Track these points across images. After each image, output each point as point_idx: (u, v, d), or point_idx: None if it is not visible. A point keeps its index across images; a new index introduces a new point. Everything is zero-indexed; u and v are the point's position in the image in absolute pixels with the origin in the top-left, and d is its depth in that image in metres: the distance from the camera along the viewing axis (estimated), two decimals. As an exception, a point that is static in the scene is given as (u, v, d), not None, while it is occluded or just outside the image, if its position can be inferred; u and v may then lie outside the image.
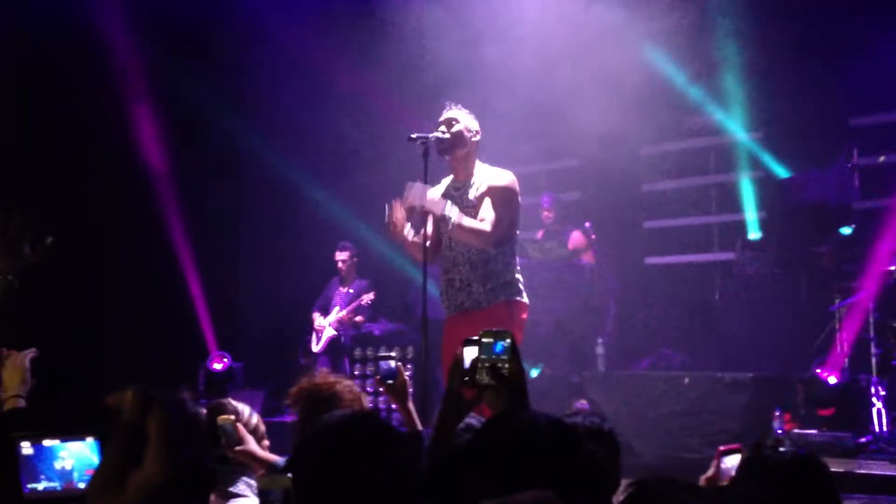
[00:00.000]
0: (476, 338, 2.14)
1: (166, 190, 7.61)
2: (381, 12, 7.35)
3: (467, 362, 2.13)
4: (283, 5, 7.31)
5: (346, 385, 2.93)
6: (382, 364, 2.98)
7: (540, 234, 7.62)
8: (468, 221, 4.11)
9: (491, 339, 2.11)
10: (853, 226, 6.85)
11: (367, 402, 3.01)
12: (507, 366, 2.09)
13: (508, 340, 2.09)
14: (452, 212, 4.08)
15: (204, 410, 2.96)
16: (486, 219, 4.13)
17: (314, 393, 2.86)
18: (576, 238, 7.42)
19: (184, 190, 7.66)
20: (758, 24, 7.20)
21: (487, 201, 4.18)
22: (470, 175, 4.26)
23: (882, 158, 7.40)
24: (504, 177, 4.24)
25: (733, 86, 7.65)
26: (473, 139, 4.27)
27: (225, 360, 7.47)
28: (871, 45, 6.71)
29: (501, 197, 4.17)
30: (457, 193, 4.28)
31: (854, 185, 7.41)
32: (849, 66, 6.90)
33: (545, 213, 7.57)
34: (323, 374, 2.97)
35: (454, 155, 4.26)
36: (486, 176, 4.24)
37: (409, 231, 4.20)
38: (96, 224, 7.34)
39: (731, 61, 7.52)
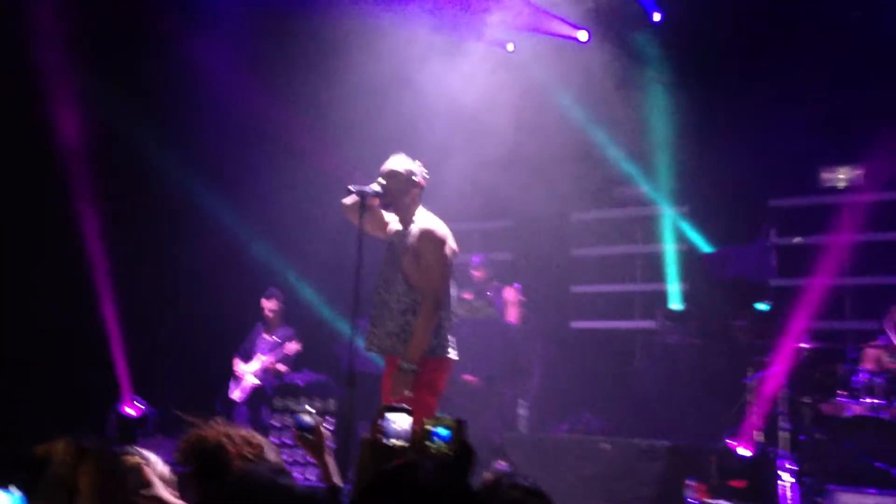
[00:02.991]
0: (400, 406, 2.18)
1: (89, 229, 7.43)
2: (329, 70, 7.43)
3: (388, 427, 2.15)
4: (225, 52, 7.30)
5: (239, 436, 2.85)
6: (300, 417, 2.95)
7: (469, 295, 7.68)
8: (418, 340, 4.13)
9: (432, 426, 2.14)
10: (769, 302, 7.12)
11: (273, 452, 2.92)
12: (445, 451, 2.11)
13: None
14: (410, 366, 4.10)
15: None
16: (425, 299, 4.16)
17: (199, 446, 2.78)
18: (507, 293, 7.50)
19: (107, 229, 7.48)
20: (688, 103, 7.53)
21: (419, 264, 4.20)
22: (410, 222, 4.31)
23: (798, 239, 7.74)
24: (428, 236, 4.26)
25: (662, 161, 7.94)
26: (413, 189, 4.32)
27: (138, 405, 7.24)
28: (792, 131, 7.07)
29: (432, 257, 4.21)
30: (398, 239, 4.33)
31: (772, 263, 7.73)
32: (770, 150, 7.26)
33: (475, 272, 7.64)
34: (213, 426, 2.88)
35: (394, 206, 4.33)
36: (422, 228, 4.27)
37: None
38: (13, 260, 7.11)
39: (662, 137, 7.83)
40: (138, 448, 3.01)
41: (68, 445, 1.62)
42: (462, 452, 2.12)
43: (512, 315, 7.45)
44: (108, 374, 7.41)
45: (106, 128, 7.24)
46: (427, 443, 2.11)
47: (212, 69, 7.25)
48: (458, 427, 2.12)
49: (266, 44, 7.41)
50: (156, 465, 2.95)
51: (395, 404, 2.27)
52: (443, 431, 2.11)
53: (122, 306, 7.52)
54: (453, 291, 4.41)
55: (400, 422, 2.19)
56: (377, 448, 2.17)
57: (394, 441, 2.17)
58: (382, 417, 2.20)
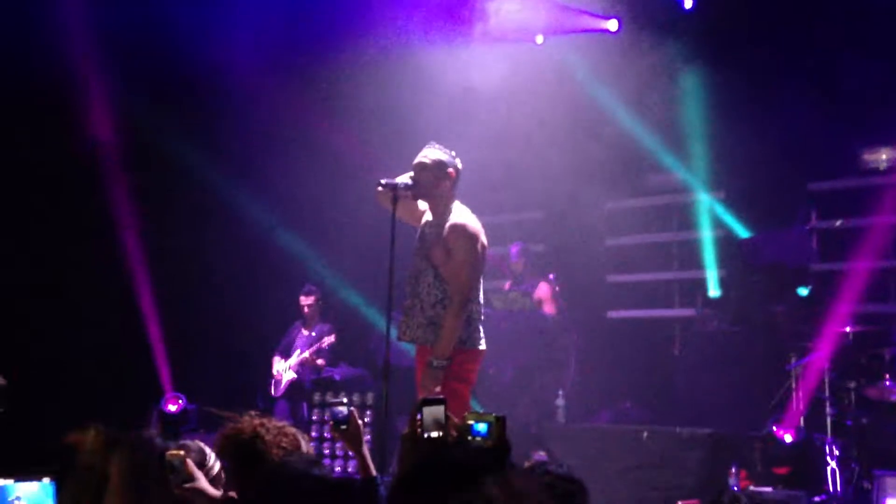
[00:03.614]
0: (438, 398, 2.20)
1: (129, 229, 7.55)
2: (359, 66, 7.45)
3: (427, 419, 2.17)
4: (255, 57, 7.35)
5: (273, 427, 2.87)
6: (335, 410, 2.97)
7: (507, 285, 7.67)
8: (447, 336, 4.13)
9: (473, 420, 2.15)
10: (810, 287, 6.99)
11: (305, 441, 2.94)
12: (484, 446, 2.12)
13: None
14: (439, 362, 4.11)
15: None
16: (453, 295, 4.16)
17: (235, 438, 2.81)
18: (542, 289, 7.48)
19: (147, 229, 7.59)
20: (722, 86, 7.42)
21: (450, 258, 4.20)
22: (446, 214, 4.30)
23: (839, 223, 7.59)
24: (460, 230, 4.24)
25: (697, 147, 7.84)
26: (445, 181, 4.31)
27: (180, 401, 7.34)
28: (830, 113, 6.93)
29: (463, 251, 4.20)
30: (431, 231, 4.33)
31: (812, 247, 7.59)
32: (808, 132, 7.12)
33: (513, 263, 7.63)
34: (247, 418, 2.91)
35: (426, 198, 4.32)
36: (455, 222, 4.26)
37: None
38: (57, 260, 7.24)
39: (696, 123, 7.73)
40: (196, 441, 3.04)
41: (98, 434, 1.63)
42: (499, 447, 2.13)
43: (548, 306, 7.42)
44: (149, 371, 7.53)
45: (139, 130, 7.33)
46: (467, 437, 2.12)
47: (239, 68, 7.30)
48: (497, 422, 2.12)
49: (289, 39, 7.44)
50: (212, 462, 2.99)
51: (431, 397, 2.28)
52: (481, 427, 2.12)
53: (162, 304, 7.63)
54: (483, 286, 4.39)
55: (437, 414, 2.20)
56: (416, 441, 2.18)
57: (433, 434, 2.17)
58: (420, 411, 2.21)
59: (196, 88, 7.45)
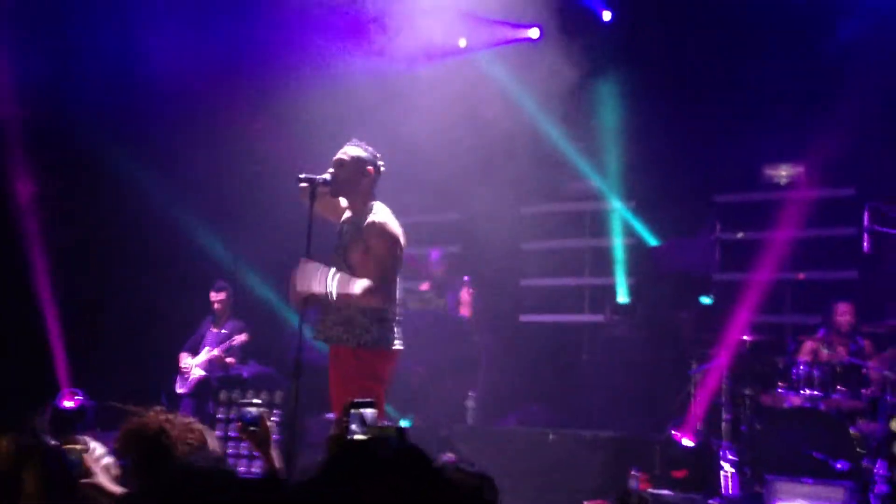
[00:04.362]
0: (366, 401, 2.20)
1: (31, 215, 7.24)
2: (288, 70, 7.38)
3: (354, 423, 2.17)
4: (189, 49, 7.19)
5: (179, 423, 2.81)
6: (245, 410, 2.93)
7: (425, 286, 7.69)
8: (351, 286, 4.10)
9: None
10: (713, 296, 7.25)
11: (213, 438, 2.88)
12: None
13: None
14: (333, 285, 4.08)
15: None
16: (367, 279, 4.12)
17: (140, 433, 2.74)
18: (465, 289, 7.54)
19: (47, 217, 7.30)
20: (637, 99, 7.62)
21: (367, 257, 4.19)
22: (365, 212, 4.27)
23: (741, 234, 7.89)
24: (379, 228, 4.21)
25: (610, 156, 8.03)
26: (364, 178, 4.29)
27: (77, 397, 7.09)
28: (736, 128, 7.21)
29: (376, 260, 4.16)
30: (350, 228, 4.30)
31: (715, 257, 7.87)
32: (715, 146, 7.39)
33: (434, 269, 7.65)
34: (153, 414, 2.84)
35: (345, 195, 4.30)
36: (373, 221, 4.25)
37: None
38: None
39: (610, 133, 7.92)
40: (87, 438, 2.95)
41: (9, 444, 1.57)
42: (398, 434, 2.14)
43: (465, 309, 7.48)
44: (46, 367, 7.24)
45: (49, 111, 7.05)
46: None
47: (163, 57, 7.12)
48: (399, 436, 2.14)
49: (215, 32, 7.30)
50: (100, 455, 2.90)
51: (360, 400, 2.28)
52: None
53: (62, 297, 7.35)
54: (400, 287, 4.38)
55: (365, 417, 2.20)
56: (343, 443, 2.17)
57: (359, 436, 2.17)
58: (347, 413, 2.20)
59: (121, 89, 7.23)
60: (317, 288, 4.09)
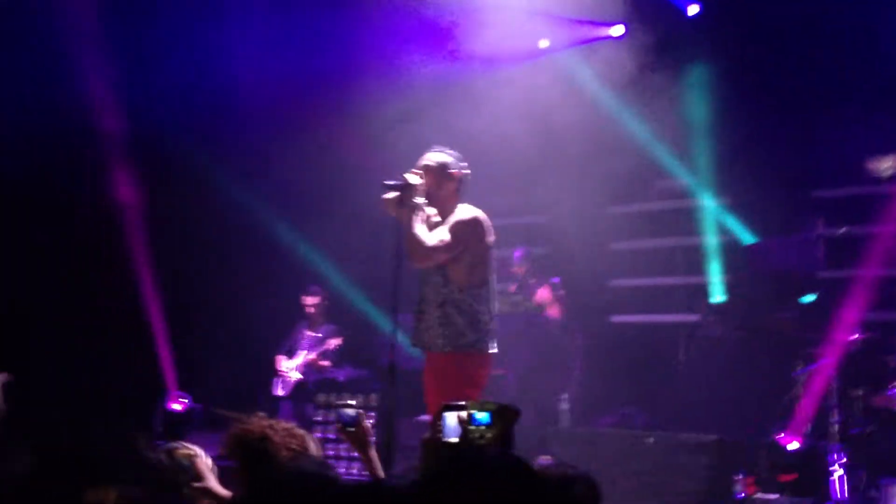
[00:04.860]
0: (459, 404, 2.19)
1: (135, 226, 7.54)
2: (367, 74, 7.49)
3: (447, 426, 2.16)
4: (270, 57, 7.37)
5: (281, 428, 2.86)
6: (343, 412, 2.97)
7: (513, 288, 7.66)
8: (418, 227, 4.09)
9: (474, 410, 2.14)
10: (816, 294, 6.98)
11: (314, 443, 2.93)
12: (487, 435, 2.12)
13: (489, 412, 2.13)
14: (415, 220, 4.08)
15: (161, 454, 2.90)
16: (435, 237, 4.12)
17: (244, 439, 2.81)
18: (542, 292, 7.47)
19: (153, 227, 7.58)
20: (728, 93, 7.42)
21: (443, 228, 4.19)
22: (449, 215, 4.27)
23: (844, 230, 7.58)
24: (467, 212, 4.23)
25: (702, 152, 7.84)
26: (449, 183, 4.28)
27: (184, 400, 7.33)
28: (835, 120, 6.93)
29: (455, 227, 4.16)
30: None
31: (818, 254, 7.58)
32: (813, 139, 7.12)
33: (516, 267, 7.62)
34: (256, 419, 2.90)
35: (431, 202, 4.29)
36: (459, 217, 4.24)
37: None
38: (61, 257, 7.23)
39: (701, 129, 7.73)
40: (184, 443, 3.05)
41: (119, 499, 1.64)
42: (503, 436, 2.12)
43: (552, 310, 7.41)
44: (153, 370, 7.51)
45: (145, 122, 7.31)
46: (469, 427, 2.11)
47: (247, 63, 7.32)
48: (500, 411, 2.11)
49: (297, 36, 7.46)
50: (202, 458, 2.98)
51: (453, 403, 2.27)
52: (482, 417, 2.11)
53: (167, 303, 7.62)
54: (493, 289, 4.34)
55: (457, 419, 2.19)
56: (437, 446, 2.18)
57: (452, 439, 2.17)
58: (441, 417, 2.20)
59: (209, 95, 7.45)
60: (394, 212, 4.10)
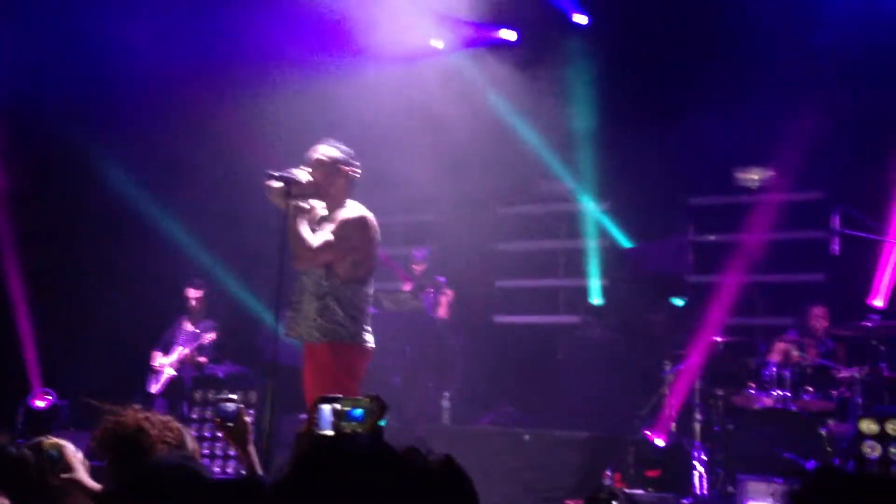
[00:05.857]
0: (334, 397, 2.19)
1: (2, 213, 7.14)
2: (257, 66, 7.36)
3: (322, 417, 2.16)
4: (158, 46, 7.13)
5: (158, 421, 2.78)
6: (223, 406, 2.90)
7: (407, 286, 7.68)
8: (303, 228, 4.09)
9: (349, 407, 2.15)
10: (686, 297, 7.33)
11: (190, 438, 2.85)
12: (359, 430, 2.13)
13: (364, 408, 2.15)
14: (295, 203, 4.07)
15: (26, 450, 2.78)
16: (320, 238, 4.12)
17: (117, 432, 2.71)
18: (447, 291, 7.53)
19: (21, 213, 7.20)
20: (609, 100, 7.69)
21: (328, 228, 4.19)
22: (337, 210, 4.25)
23: (713, 237, 7.99)
24: (354, 211, 4.23)
25: (585, 158, 8.09)
26: (340, 178, 4.25)
27: (49, 397, 7.00)
28: (708, 131, 7.28)
29: (341, 227, 4.17)
30: (321, 226, 4.26)
31: (688, 259, 7.96)
32: (688, 149, 7.46)
33: (416, 266, 7.65)
34: (131, 411, 2.81)
35: (320, 196, 4.26)
36: (347, 216, 4.23)
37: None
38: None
39: (585, 135, 7.97)
40: (51, 437, 2.91)
41: None
42: (372, 429, 2.14)
43: (442, 311, 7.49)
44: (17, 366, 7.14)
45: (23, 103, 6.94)
46: (342, 423, 2.13)
47: (139, 50, 7.06)
48: (372, 407, 2.14)
49: (190, 28, 7.25)
50: (71, 448, 2.86)
51: (329, 395, 2.27)
52: (356, 412, 2.13)
53: (34, 295, 7.25)
54: (371, 287, 4.35)
55: (333, 411, 2.20)
56: (313, 439, 2.17)
57: (327, 431, 2.17)
58: (316, 409, 2.20)
59: (94, 81, 7.14)
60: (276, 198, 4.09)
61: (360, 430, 2.11)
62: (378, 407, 2.15)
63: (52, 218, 7.30)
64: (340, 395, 2.27)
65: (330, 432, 2.17)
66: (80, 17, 6.79)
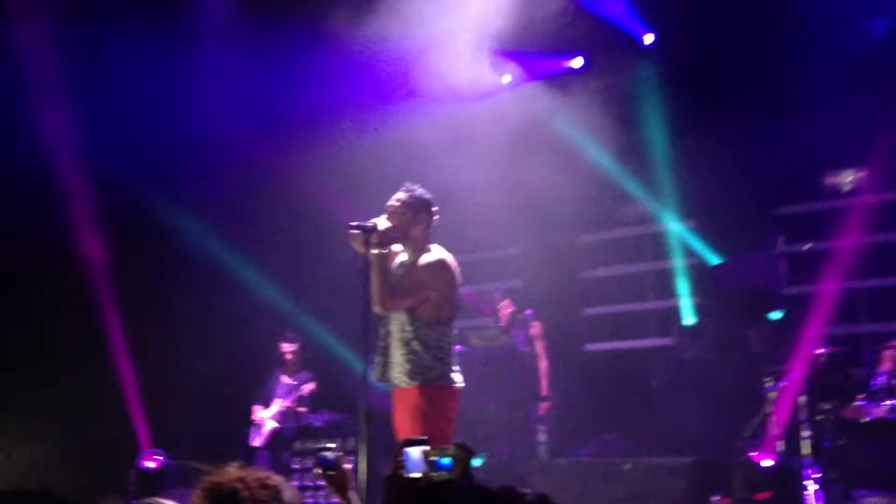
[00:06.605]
0: (420, 439, 2.22)
1: (103, 280, 7.50)
2: (331, 120, 7.58)
3: (409, 460, 2.19)
4: (235, 105, 7.45)
5: (254, 479, 2.84)
6: (322, 455, 2.96)
7: (500, 322, 7.68)
8: (381, 275, 4.14)
9: (436, 456, 2.18)
10: (782, 310, 7.09)
11: (290, 491, 2.91)
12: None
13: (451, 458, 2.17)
14: (381, 255, 4.13)
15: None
16: (400, 287, 4.18)
17: (215, 492, 2.79)
18: (536, 327, 7.47)
19: (122, 282, 7.54)
20: (686, 116, 7.57)
21: (408, 274, 4.24)
22: (419, 254, 4.29)
23: (807, 246, 7.72)
24: (434, 255, 4.26)
25: (665, 177, 7.98)
26: (419, 224, 4.30)
27: (158, 457, 7.24)
28: (792, 138, 7.09)
29: (420, 273, 4.21)
30: (402, 270, 4.31)
31: (782, 271, 7.71)
32: (772, 158, 7.27)
33: (501, 308, 7.63)
34: (227, 471, 2.88)
35: (399, 241, 4.33)
36: (427, 259, 4.27)
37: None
38: (30, 312, 7.18)
39: (663, 154, 7.87)
40: (160, 500, 3.03)
41: None
42: (464, 476, 2.16)
43: (539, 345, 7.40)
44: (126, 429, 7.43)
45: (113, 178, 7.32)
46: (431, 474, 2.15)
47: (215, 118, 7.38)
48: (459, 454, 2.15)
49: (262, 91, 7.54)
50: None
51: (413, 437, 2.30)
52: (444, 461, 2.15)
53: (138, 359, 7.56)
54: (460, 324, 4.39)
55: (419, 454, 2.22)
56: (399, 482, 2.20)
57: (414, 474, 2.20)
58: (401, 452, 2.23)
59: (173, 146, 7.49)
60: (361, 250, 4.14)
61: (450, 478, 2.13)
62: (465, 453, 2.16)
63: (149, 284, 7.62)
64: (426, 437, 2.30)
65: (418, 475, 2.20)
66: (164, 82, 7.14)
